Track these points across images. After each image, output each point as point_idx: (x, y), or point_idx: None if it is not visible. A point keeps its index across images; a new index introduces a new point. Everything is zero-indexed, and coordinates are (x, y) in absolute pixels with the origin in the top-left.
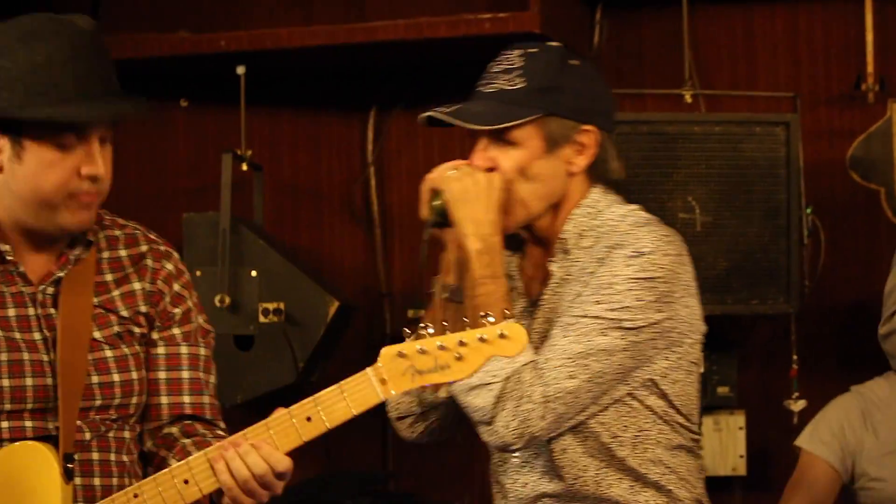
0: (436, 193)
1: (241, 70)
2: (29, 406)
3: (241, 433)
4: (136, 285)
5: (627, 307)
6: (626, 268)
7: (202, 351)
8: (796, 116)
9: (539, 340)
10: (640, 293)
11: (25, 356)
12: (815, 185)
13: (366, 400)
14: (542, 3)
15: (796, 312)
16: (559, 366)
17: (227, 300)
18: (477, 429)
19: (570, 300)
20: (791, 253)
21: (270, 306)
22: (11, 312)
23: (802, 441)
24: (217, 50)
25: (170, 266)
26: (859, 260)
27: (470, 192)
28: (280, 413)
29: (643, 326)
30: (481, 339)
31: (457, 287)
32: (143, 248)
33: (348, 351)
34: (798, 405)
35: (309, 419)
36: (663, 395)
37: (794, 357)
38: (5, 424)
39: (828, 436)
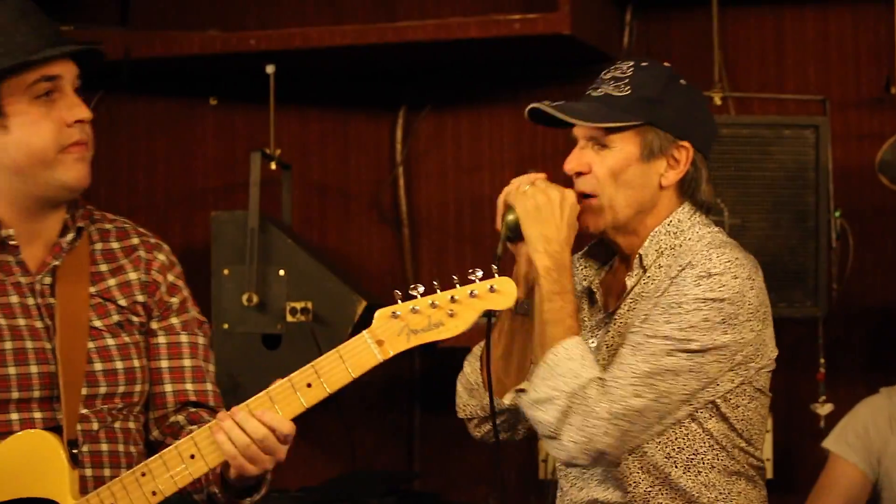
0: (509, 208)
1: (270, 69)
2: (36, 394)
3: (243, 403)
4: (132, 275)
5: (693, 327)
6: (695, 287)
7: (201, 340)
8: (826, 119)
9: (609, 355)
10: (706, 313)
11: (29, 344)
12: (844, 188)
13: (364, 362)
14: (572, 4)
15: (824, 316)
16: (627, 384)
17: (255, 299)
18: (544, 443)
19: (641, 319)
20: (819, 256)
21: (298, 305)
22: (15, 300)
23: (829, 443)
24: (247, 49)
25: (162, 257)
26: (888, 264)
27: (543, 209)
28: (281, 382)
29: (710, 348)
30: (472, 295)
31: (525, 301)
32: (135, 240)
33: None
34: (825, 409)
35: (309, 385)
36: (724, 419)
37: (822, 360)
38: (15, 416)
39: (853, 438)
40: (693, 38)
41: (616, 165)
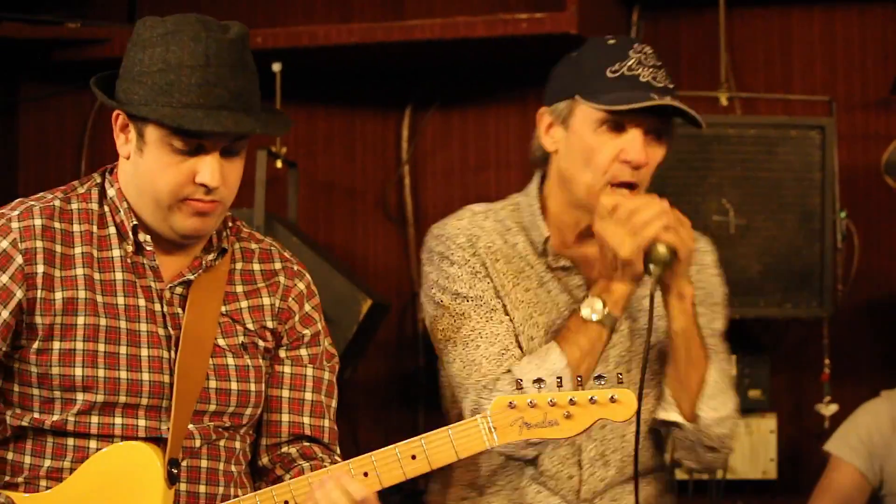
0: (669, 249)
1: (277, 67)
2: (144, 402)
3: (343, 462)
4: (266, 300)
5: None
6: (721, 284)
7: (326, 375)
8: (832, 120)
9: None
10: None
11: (144, 352)
12: (849, 189)
13: (472, 446)
14: (579, 4)
15: (829, 316)
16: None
17: None
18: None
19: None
20: (825, 257)
21: None
22: (142, 303)
23: (831, 446)
24: (253, 46)
25: (302, 285)
26: (893, 264)
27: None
28: (387, 449)
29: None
30: (592, 401)
31: (617, 318)
32: (278, 265)
33: (380, 349)
34: (829, 409)
35: (414, 457)
36: None
37: (827, 361)
38: (118, 421)
39: (856, 441)
40: (700, 39)
41: (661, 160)
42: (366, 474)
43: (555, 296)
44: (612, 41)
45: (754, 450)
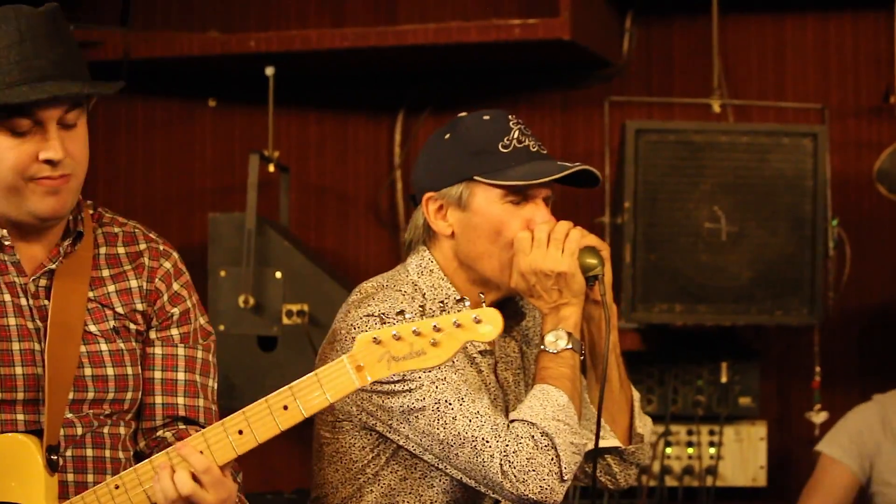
0: (594, 252)
1: (269, 71)
2: (20, 396)
3: (217, 423)
4: (133, 283)
5: None
6: None
7: (199, 353)
8: (824, 128)
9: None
10: None
11: (15, 346)
12: (841, 196)
13: (342, 387)
14: (572, 10)
15: (820, 324)
16: None
17: (252, 301)
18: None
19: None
20: (816, 264)
21: (294, 308)
22: (7, 298)
23: (822, 446)
24: (246, 50)
25: (168, 265)
26: (884, 273)
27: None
28: (257, 403)
29: None
30: (456, 324)
31: (579, 341)
32: (142, 246)
33: None
34: (820, 417)
35: (286, 407)
36: None
37: (817, 369)
38: None
39: (846, 441)
40: (693, 45)
41: None
42: (240, 432)
43: (485, 376)
44: (486, 116)
45: (744, 457)
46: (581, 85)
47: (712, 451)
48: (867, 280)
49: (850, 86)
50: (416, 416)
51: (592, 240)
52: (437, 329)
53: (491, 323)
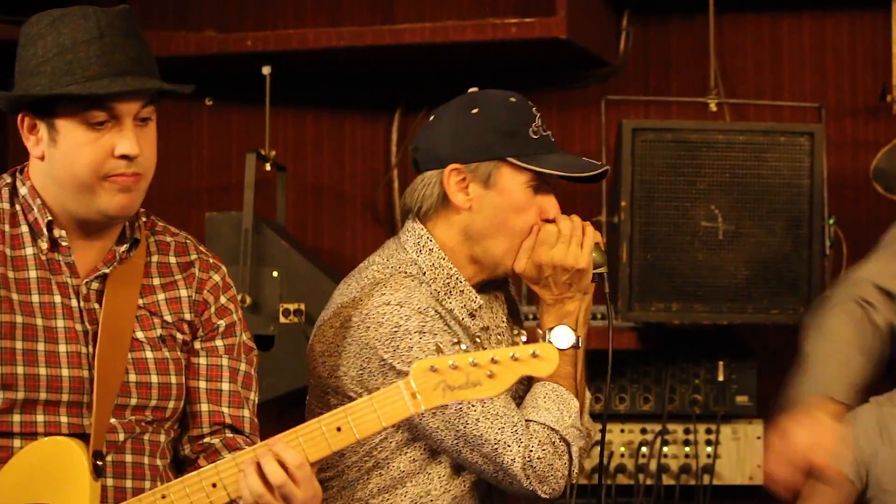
0: (599, 249)
1: (266, 70)
2: (65, 398)
3: (272, 438)
4: (183, 292)
5: None
6: None
7: (243, 366)
8: (821, 127)
9: None
10: None
11: (62, 347)
12: (838, 195)
13: (396, 413)
14: (569, 9)
15: None
16: None
17: (248, 300)
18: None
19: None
20: (812, 263)
21: (291, 307)
22: (57, 300)
23: None
24: (243, 49)
25: (217, 278)
26: None
27: None
28: (311, 422)
29: None
30: (514, 358)
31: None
32: (193, 257)
33: None
34: None
35: (339, 429)
36: None
37: None
38: (41, 418)
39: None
40: (690, 44)
41: None
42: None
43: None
44: (512, 98)
45: (741, 455)
46: (578, 84)
47: (709, 449)
48: None
49: (846, 85)
50: (435, 412)
51: (598, 237)
52: (494, 361)
53: (548, 359)
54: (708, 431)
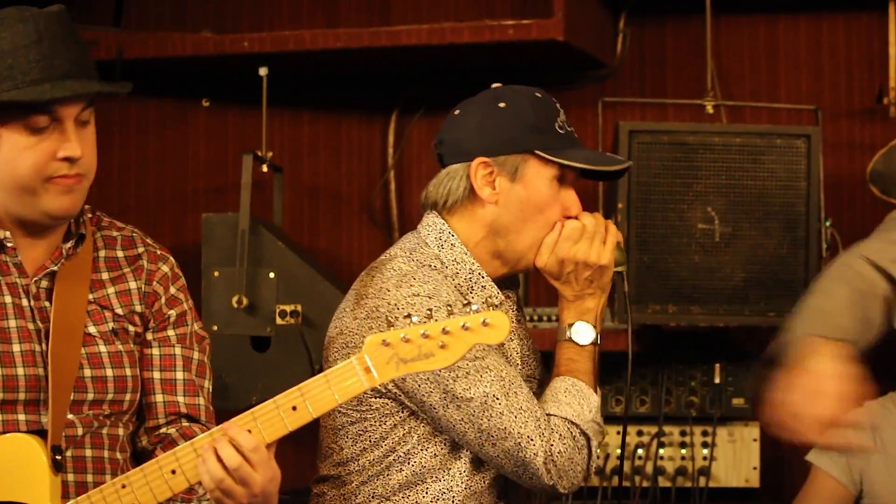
0: (619, 248)
1: (263, 71)
2: (21, 396)
3: (227, 422)
4: (132, 284)
5: None
6: None
7: (196, 355)
8: (818, 129)
9: None
10: None
11: (16, 347)
12: (834, 198)
13: (351, 389)
14: (565, 11)
15: None
16: None
17: (245, 301)
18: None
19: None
20: (809, 265)
21: (288, 308)
22: (8, 300)
23: (812, 456)
24: (240, 51)
25: (166, 268)
26: None
27: None
28: (266, 403)
29: None
30: (464, 327)
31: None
32: (140, 249)
33: None
34: None
35: (294, 408)
36: None
37: None
38: None
39: (835, 452)
40: (686, 46)
41: None
42: (249, 432)
43: (516, 345)
44: (538, 94)
45: (737, 458)
46: (574, 85)
47: (705, 451)
48: None
49: (843, 87)
50: (459, 406)
51: (620, 235)
52: (445, 332)
53: (499, 326)
54: (704, 434)
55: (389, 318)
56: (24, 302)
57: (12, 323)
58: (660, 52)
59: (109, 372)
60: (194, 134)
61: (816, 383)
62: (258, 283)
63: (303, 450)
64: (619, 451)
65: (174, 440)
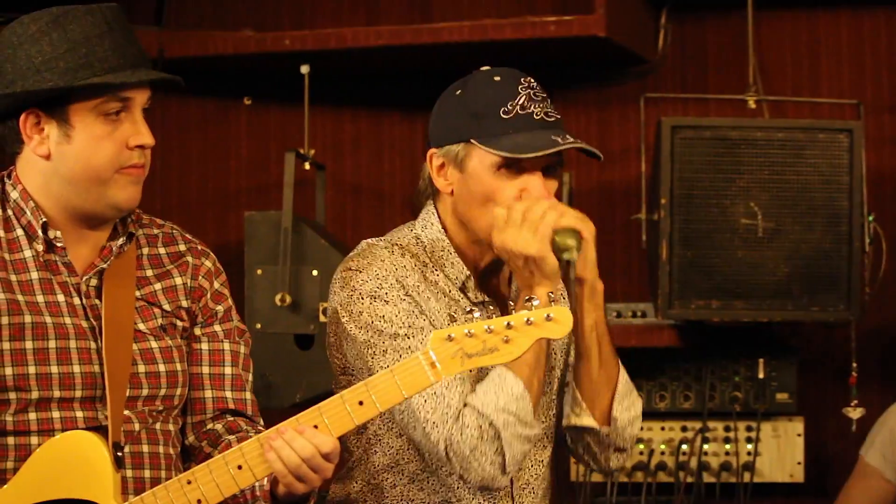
0: (573, 233)
1: (305, 69)
2: (78, 394)
3: (293, 417)
4: (178, 280)
5: None
6: None
7: (242, 349)
8: (860, 123)
9: None
10: None
11: (73, 343)
12: (877, 192)
13: (417, 383)
14: (607, 6)
15: (856, 319)
16: None
17: (288, 299)
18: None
19: None
20: (852, 260)
21: None
22: (61, 299)
23: (863, 448)
24: (281, 49)
25: (209, 263)
26: None
27: (594, 232)
28: (333, 398)
29: None
30: (528, 322)
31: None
32: (182, 246)
33: None
34: (857, 413)
35: (361, 403)
36: None
37: (854, 365)
38: (56, 414)
39: (880, 444)
40: (728, 41)
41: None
42: (315, 427)
43: None
44: (497, 77)
45: (781, 453)
46: (616, 81)
47: (749, 447)
48: None
49: (885, 81)
50: None
51: (571, 220)
52: (509, 326)
53: (562, 321)
54: (748, 429)
55: (330, 294)
56: (77, 300)
57: (68, 320)
58: (701, 48)
59: (162, 367)
60: (236, 132)
61: None
62: (301, 281)
63: None
64: (663, 446)
65: (220, 435)
